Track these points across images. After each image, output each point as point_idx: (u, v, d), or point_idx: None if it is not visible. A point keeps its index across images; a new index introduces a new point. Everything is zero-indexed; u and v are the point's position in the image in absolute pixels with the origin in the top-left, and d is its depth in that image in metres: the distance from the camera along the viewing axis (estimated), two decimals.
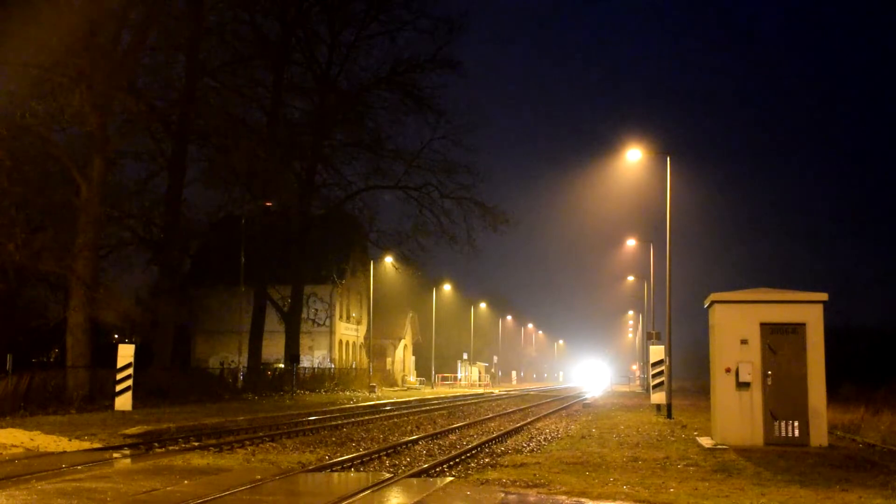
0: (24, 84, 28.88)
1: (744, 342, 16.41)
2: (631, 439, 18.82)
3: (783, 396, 16.21)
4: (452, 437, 20.48)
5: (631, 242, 50.15)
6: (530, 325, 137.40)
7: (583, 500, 10.71)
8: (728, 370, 16.43)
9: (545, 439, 19.58)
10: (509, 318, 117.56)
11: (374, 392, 50.07)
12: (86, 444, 16.77)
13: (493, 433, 20.94)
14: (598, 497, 10.86)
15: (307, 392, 44.60)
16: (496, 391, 65.08)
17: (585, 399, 43.57)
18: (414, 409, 32.85)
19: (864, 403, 24.70)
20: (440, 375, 79.97)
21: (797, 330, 16.30)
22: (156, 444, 17.17)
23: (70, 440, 17.13)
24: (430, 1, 68.24)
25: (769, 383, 16.28)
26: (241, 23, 43.04)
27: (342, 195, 50.87)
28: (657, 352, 28.62)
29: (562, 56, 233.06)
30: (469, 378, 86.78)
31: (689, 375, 70.72)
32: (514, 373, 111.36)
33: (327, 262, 56.76)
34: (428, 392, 57.91)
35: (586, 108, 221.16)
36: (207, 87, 40.07)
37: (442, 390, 63.59)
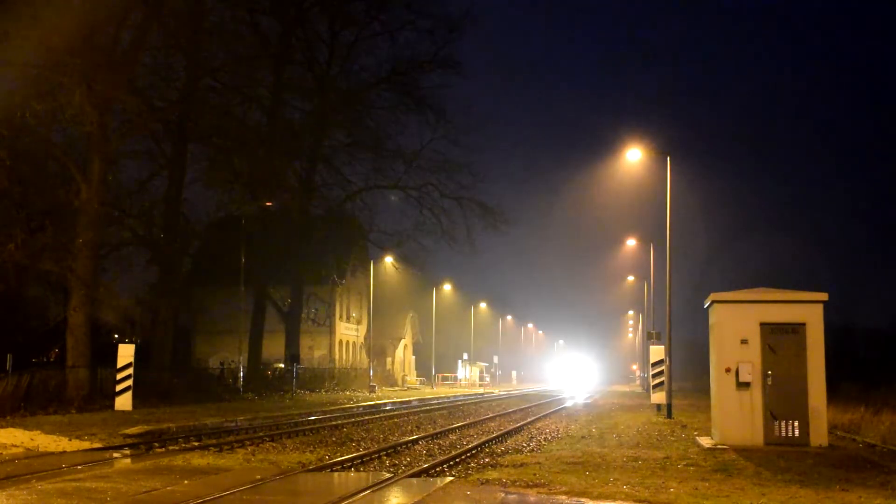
0: (24, 84, 28.86)
1: (744, 342, 16.41)
2: (631, 439, 18.82)
3: (783, 396, 16.21)
4: (452, 436, 20.48)
5: (631, 242, 50.16)
6: (530, 325, 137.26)
7: (583, 499, 10.71)
8: (728, 370, 16.43)
9: (545, 439, 19.59)
10: (509, 317, 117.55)
11: (374, 392, 50.07)
12: (86, 444, 16.77)
13: (493, 433, 20.95)
14: (599, 497, 10.86)
15: (307, 392, 44.60)
16: (496, 391, 65.08)
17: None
18: (414, 409, 32.85)
19: (864, 403, 24.71)
20: (440, 375, 79.94)
21: (797, 330, 16.30)
22: (156, 444, 17.17)
23: (70, 440, 17.14)
24: (430, 1, 68.05)
25: (769, 383, 16.28)
26: (241, 23, 43.03)
27: (342, 195, 50.98)
28: (657, 352, 28.63)
29: (562, 56, 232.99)
30: (470, 378, 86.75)
31: (689, 375, 70.59)
32: (513, 373, 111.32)
33: (327, 262, 56.76)
34: (428, 392, 57.91)
35: (586, 108, 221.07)
36: (207, 87, 40.07)
37: (442, 390, 63.58)
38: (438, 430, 21.84)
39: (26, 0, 27.20)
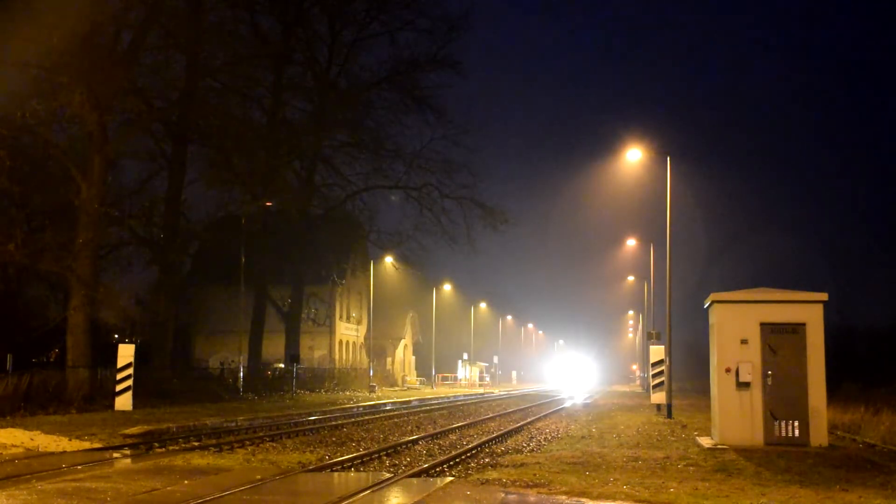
0: (24, 84, 28.87)
1: (744, 342, 16.41)
2: (631, 439, 18.82)
3: (783, 396, 16.21)
4: (452, 436, 20.49)
5: (631, 242, 50.18)
6: (530, 325, 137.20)
7: (583, 499, 10.71)
8: (728, 370, 16.43)
9: (545, 439, 19.59)
10: (509, 318, 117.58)
11: (375, 392, 50.06)
12: (86, 444, 16.77)
13: (493, 433, 20.94)
14: (599, 497, 10.86)
15: (307, 392, 44.59)
16: (496, 391, 65.08)
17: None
18: (414, 409, 32.86)
19: (864, 403, 24.70)
20: (440, 375, 79.92)
21: (797, 330, 16.30)
22: (156, 444, 17.17)
23: (70, 440, 17.13)
24: (430, 1, 68.26)
25: (769, 383, 16.28)
26: (241, 23, 43.07)
27: (342, 195, 51.02)
28: (657, 352, 28.63)
29: (562, 56, 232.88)
30: (469, 378, 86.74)
31: (689, 375, 70.59)
32: (513, 373, 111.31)
33: (327, 262, 56.82)
34: (428, 392, 57.90)
35: (586, 108, 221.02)
36: (207, 87, 40.07)
37: (442, 390, 63.57)
38: (438, 430, 21.84)
39: (26, 0, 27.21)
